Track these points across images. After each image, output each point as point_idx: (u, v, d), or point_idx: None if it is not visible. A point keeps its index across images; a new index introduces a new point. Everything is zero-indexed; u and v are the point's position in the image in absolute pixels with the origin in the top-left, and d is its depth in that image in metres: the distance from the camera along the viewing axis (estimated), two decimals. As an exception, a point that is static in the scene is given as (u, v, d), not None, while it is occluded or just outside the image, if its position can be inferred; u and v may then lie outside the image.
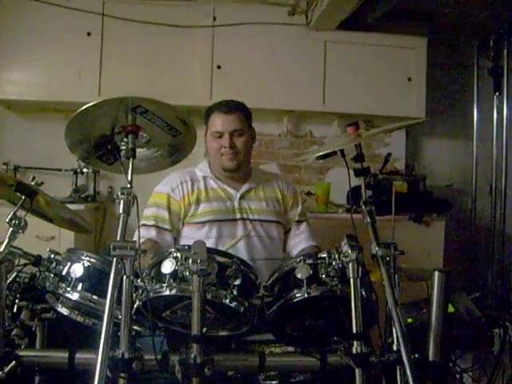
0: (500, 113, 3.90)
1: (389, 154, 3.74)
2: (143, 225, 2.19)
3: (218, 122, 2.24)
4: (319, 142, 4.11)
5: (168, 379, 1.60)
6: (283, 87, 3.78)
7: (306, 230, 2.43)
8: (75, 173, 3.74)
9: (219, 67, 3.71)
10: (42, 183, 1.89)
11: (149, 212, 2.25)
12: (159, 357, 1.54)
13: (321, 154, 1.79)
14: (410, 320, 2.18)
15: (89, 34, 3.61)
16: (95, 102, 1.55)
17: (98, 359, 1.34)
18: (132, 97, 1.56)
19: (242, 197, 2.31)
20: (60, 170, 3.77)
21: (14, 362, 1.51)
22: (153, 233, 2.21)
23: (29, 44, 3.59)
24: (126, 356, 1.43)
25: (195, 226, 2.24)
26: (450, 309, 2.14)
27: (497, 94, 3.84)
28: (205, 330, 1.46)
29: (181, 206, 2.25)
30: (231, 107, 2.25)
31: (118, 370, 1.43)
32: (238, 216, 2.27)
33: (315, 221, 2.72)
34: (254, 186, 2.35)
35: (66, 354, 1.57)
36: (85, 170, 3.74)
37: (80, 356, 1.58)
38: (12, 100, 3.70)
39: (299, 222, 2.43)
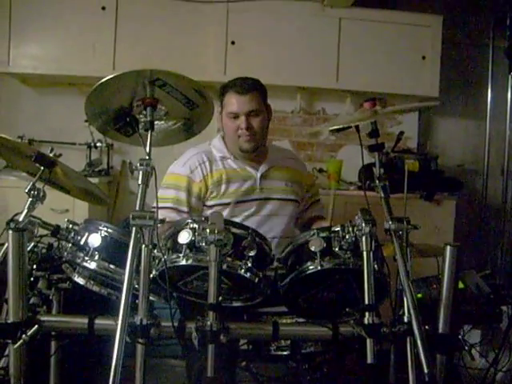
0: (514, 93, 3.88)
1: (401, 133, 3.74)
2: (161, 207, 2.10)
3: (234, 102, 2.18)
4: (332, 120, 4.09)
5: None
6: (297, 64, 3.76)
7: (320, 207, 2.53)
8: (89, 147, 3.75)
9: (233, 43, 3.69)
10: (61, 155, 1.93)
11: (167, 194, 2.19)
12: (176, 324, 1.58)
13: (337, 127, 1.80)
14: (419, 295, 2.21)
15: (103, 8, 3.60)
16: (115, 75, 1.57)
17: (118, 324, 1.38)
18: (151, 69, 1.58)
19: (263, 176, 2.27)
20: (74, 143, 3.78)
21: (36, 326, 1.55)
22: (173, 215, 2.16)
23: (44, 18, 3.59)
24: (144, 322, 1.47)
25: (217, 208, 2.20)
26: (460, 285, 2.16)
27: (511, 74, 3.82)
28: (220, 298, 1.49)
29: (201, 187, 2.20)
30: (246, 87, 2.18)
31: (136, 335, 1.47)
32: (261, 196, 2.25)
33: (326, 197, 2.74)
34: (273, 165, 2.32)
35: (86, 320, 1.61)
36: (98, 144, 3.75)
37: (99, 322, 1.62)
38: (27, 74, 3.70)
39: (317, 200, 2.52)
